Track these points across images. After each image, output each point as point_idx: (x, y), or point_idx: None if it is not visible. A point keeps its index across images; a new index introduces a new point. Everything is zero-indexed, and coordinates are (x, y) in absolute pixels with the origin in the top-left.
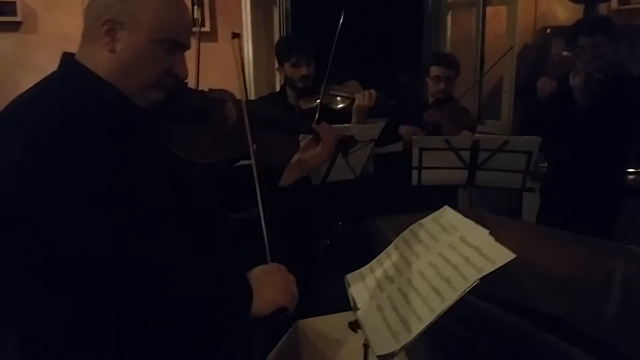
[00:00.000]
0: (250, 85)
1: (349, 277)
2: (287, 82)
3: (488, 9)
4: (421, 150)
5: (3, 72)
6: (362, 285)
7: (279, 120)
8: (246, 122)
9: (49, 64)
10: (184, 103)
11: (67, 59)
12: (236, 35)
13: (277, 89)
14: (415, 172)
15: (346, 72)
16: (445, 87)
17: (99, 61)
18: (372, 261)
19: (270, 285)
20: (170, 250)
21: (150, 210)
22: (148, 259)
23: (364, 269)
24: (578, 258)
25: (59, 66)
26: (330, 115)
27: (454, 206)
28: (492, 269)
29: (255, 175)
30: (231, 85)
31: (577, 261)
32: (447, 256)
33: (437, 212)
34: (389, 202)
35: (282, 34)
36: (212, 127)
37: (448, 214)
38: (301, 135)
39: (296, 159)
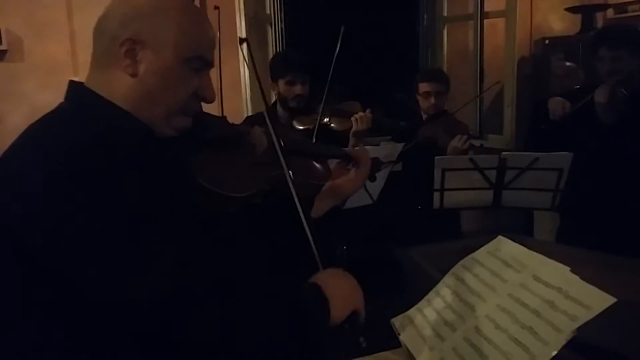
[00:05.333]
0: (247, 105)
1: (396, 321)
2: (279, 100)
3: (485, 21)
4: (444, 171)
5: None
6: (414, 332)
7: (310, 145)
8: (276, 146)
9: (38, 94)
10: (210, 131)
11: (76, 87)
12: (243, 41)
13: None
14: (437, 195)
15: (342, 90)
16: (435, 102)
17: (118, 88)
18: (421, 302)
19: (339, 287)
20: (224, 279)
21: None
22: (204, 293)
23: (412, 312)
24: (633, 284)
25: (67, 97)
26: (329, 137)
27: (458, 227)
28: (589, 317)
29: (293, 191)
30: (230, 106)
31: (632, 288)
32: (521, 299)
33: (491, 243)
34: (392, 225)
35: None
36: (242, 156)
37: (506, 246)
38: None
39: (328, 187)
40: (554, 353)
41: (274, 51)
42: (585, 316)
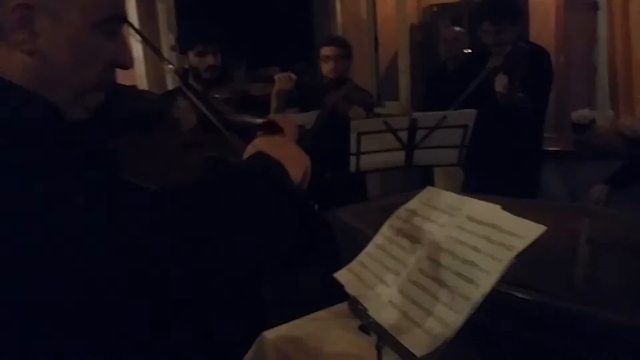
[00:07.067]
0: (143, 83)
1: (339, 275)
2: (191, 73)
3: None
4: (359, 134)
5: None
6: (359, 283)
7: (235, 116)
8: (212, 119)
9: None
10: (126, 106)
11: None
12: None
13: (169, 85)
14: (353, 159)
15: (240, 61)
16: (336, 66)
17: (10, 67)
18: (360, 255)
19: (282, 147)
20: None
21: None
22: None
23: (353, 265)
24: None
25: None
26: (250, 104)
27: (364, 190)
28: (525, 245)
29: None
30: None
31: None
32: (458, 238)
33: (421, 194)
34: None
35: (168, 28)
36: (166, 136)
37: (436, 194)
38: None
39: None
40: (496, 278)
41: (166, 25)
42: (520, 245)
